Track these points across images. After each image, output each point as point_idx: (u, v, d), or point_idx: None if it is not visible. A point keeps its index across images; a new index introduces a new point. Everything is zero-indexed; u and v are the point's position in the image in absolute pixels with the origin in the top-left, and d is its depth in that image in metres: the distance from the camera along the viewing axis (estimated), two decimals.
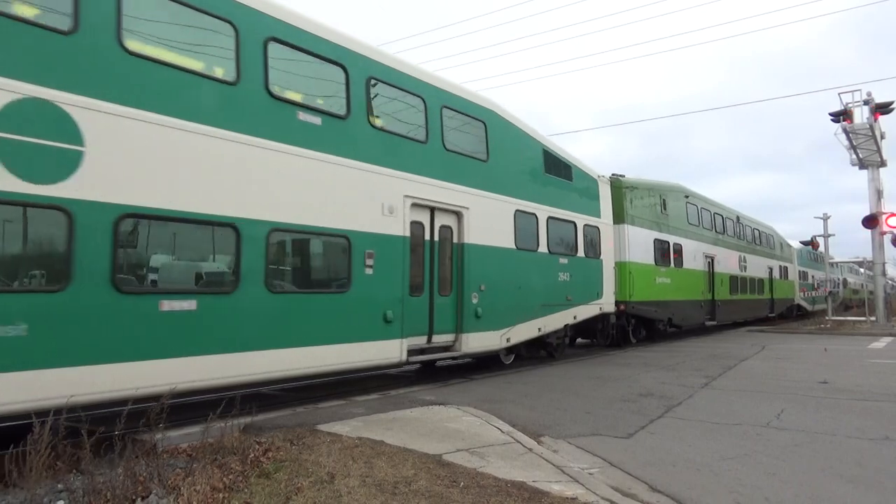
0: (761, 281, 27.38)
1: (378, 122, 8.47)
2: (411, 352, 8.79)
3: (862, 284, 55.50)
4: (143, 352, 5.67)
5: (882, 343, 17.48)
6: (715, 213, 22.56)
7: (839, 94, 23.02)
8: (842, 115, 22.97)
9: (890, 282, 40.48)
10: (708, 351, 15.08)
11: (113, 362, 5.43)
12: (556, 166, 12.60)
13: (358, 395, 8.30)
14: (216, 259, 6.84)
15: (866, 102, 23.13)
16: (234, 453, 4.99)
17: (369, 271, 8.09)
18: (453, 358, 10.27)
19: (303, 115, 7.35)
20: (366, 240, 8.08)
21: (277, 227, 6.94)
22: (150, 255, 6.13)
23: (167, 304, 5.88)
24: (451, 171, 9.70)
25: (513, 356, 11.74)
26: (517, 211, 11.16)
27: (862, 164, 24.60)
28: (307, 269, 7.86)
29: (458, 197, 9.79)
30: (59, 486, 4.26)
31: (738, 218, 25.28)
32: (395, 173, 8.62)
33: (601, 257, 14.01)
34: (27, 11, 5.14)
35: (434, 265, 9.42)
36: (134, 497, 4.01)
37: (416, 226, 9.11)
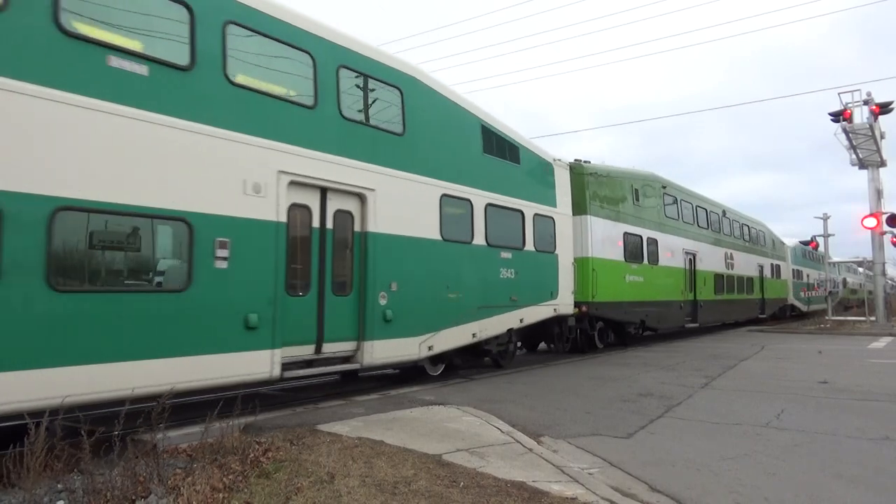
0: (751, 280, 25.77)
1: (240, 79, 6.74)
2: (290, 364, 7.17)
3: (860, 284, 55.48)
4: None
5: (882, 343, 17.48)
6: (697, 207, 20.89)
7: (839, 93, 23.03)
8: (841, 115, 22.97)
9: (890, 282, 40.45)
10: (708, 351, 15.08)
11: None
12: (500, 146, 11.01)
13: (358, 395, 8.31)
14: None
15: (866, 102, 23.11)
16: (234, 453, 4.99)
17: (221, 265, 6.39)
18: (357, 371, 8.42)
19: (117, 62, 5.73)
20: (216, 225, 6.35)
21: (68, 206, 5.25)
22: None
23: None
24: (352, 145, 8.04)
25: (442, 366, 10.15)
26: (445, 196, 9.51)
27: (862, 164, 24.61)
28: (120, 261, 5.90)
29: (360, 176, 8.10)
30: (58, 486, 4.26)
31: (724, 212, 23.64)
32: (264, 143, 6.86)
33: (556, 252, 12.44)
34: None
35: (326, 259, 7.71)
36: (134, 497, 4.01)
37: (299, 210, 7.42)
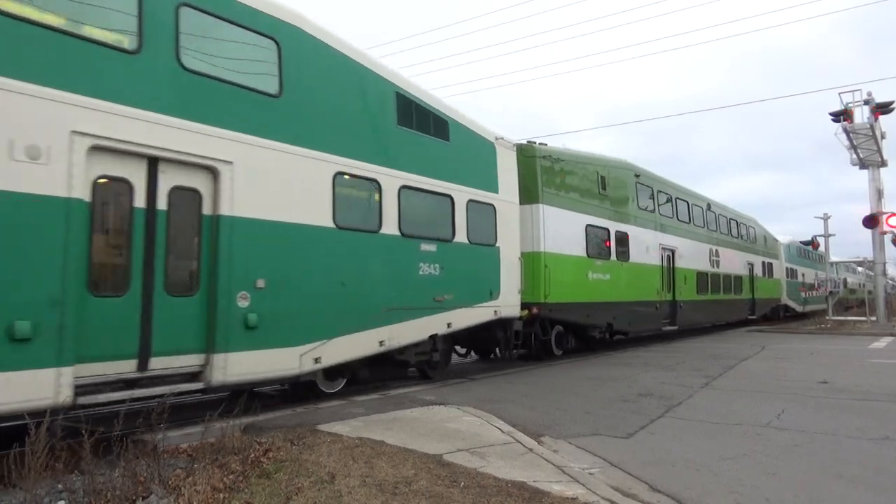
0: (739, 279, 23.99)
1: (12, 8, 5.21)
2: (93, 387, 5.43)
3: (860, 284, 55.35)
4: None
5: (882, 343, 17.48)
6: (677, 199, 19.09)
7: (839, 93, 23.05)
8: (842, 115, 22.98)
9: (890, 282, 40.41)
10: (708, 351, 15.08)
11: None
12: (422, 119, 9.32)
13: (358, 395, 8.31)
14: None
15: (867, 102, 23.14)
16: (235, 453, 5.00)
17: None
18: (202, 392, 6.51)
19: None
20: None
21: None
22: None
23: None
24: (199, 105, 6.34)
25: (342, 382, 8.42)
26: (340, 174, 7.80)
27: (862, 164, 24.62)
28: None
29: (211, 145, 6.38)
30: (59, 486, 4.27)
31: (708, 206, 21.85)
32: (48, 93, 5.21)
33: (498, 244, 10.74)
34: None
35: (156, 249, 5.98)
36: (134, 497, 4.01)
37: (114, 185, 5.76)
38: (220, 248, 6.42)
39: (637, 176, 16.60)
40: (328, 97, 7.84)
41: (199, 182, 6.39)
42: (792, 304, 31.87)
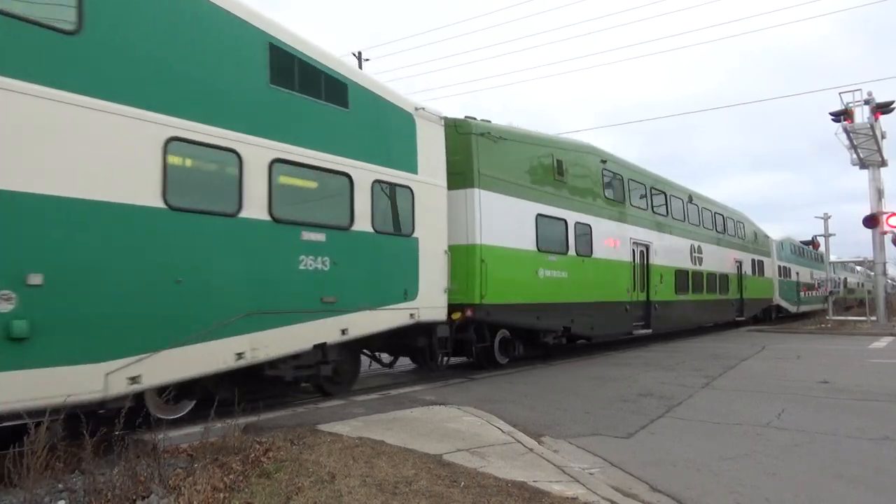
0: (725, 277, 22.23)
1: None
2: None
3: (859, 283, 55.28)
4: None
5: (883, 343, 17.47)
6: (652, 189, 17.28)
7: (840, 93, 23.05)
8: (842, 115, 22.99)
9: (891, 282, 40.41)
10: (708, 351, 15.07)
11: None
12: (308, 79, 7.55)
13: (358, 395, 8.31)
14: None
15: (867, 102, 23.14)
16: (235, 453, 5.00)
17: None
18: None
19: None
20: None
21: None
22: None
23: None
24: None
25: (190, 405, 6.72)
26: (175, 140, 6.09)
27: (862, 164, 24.62)
28: None
29: None
30: (59, 486, 4.27)
31: (690, 198, 19.96)
32: None
33: (416, 235, 9.07)
34: None
35: None
36: (134, 497, 4.02)
37: None
38: None
39: (603, 162, 14.62)
40: (158, 41, 6.08)
41: None
42: (785, 304, 30.43)
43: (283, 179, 7.23)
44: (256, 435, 5.68)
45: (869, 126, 22.96)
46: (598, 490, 4.39)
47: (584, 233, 13.52)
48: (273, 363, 7.08)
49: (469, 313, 10.14)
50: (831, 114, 23.33)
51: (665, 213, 17.98)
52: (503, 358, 11.58)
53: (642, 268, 16.11)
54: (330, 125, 7.94)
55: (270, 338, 6.90)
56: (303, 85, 7.52)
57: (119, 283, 5.59)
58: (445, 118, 10.19)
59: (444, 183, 9.82)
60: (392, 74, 78.65)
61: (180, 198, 6.11)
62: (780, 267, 29.61)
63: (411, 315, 8.96)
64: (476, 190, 10.53)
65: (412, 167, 9.20)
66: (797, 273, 32.63)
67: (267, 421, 6.42)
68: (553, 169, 12.67)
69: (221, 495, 4.09)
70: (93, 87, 5.51)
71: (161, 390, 5.91)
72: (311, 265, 7.46)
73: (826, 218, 30.95)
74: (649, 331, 16.17)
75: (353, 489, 4.29)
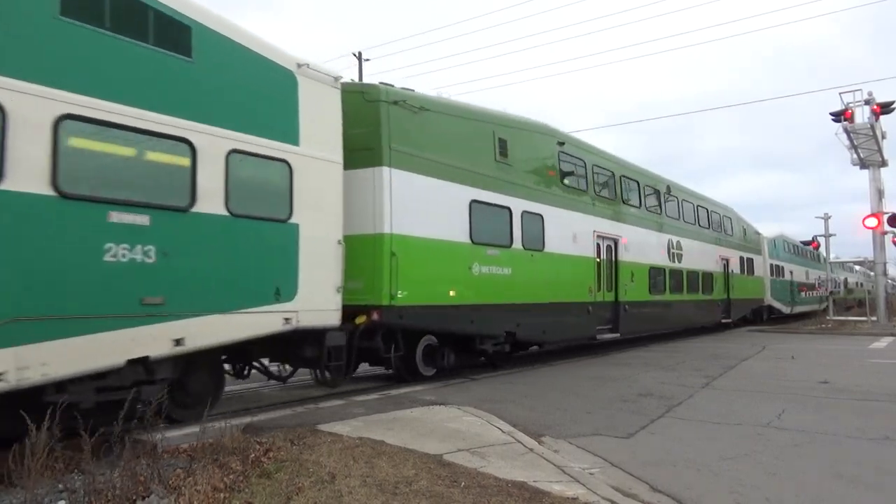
0: (709, 276, 20.58)
1: None
2: None
3: (858, 283, 55.26)
4: None
5: (883, 343, 17.48)
6: (622, 177, 15.55)
7: (840, 93, 23.06)
8: (843, 115, 22.99)
9: (891, 282, 40.41)
10: (708, 351, 15.07)
11: None
12: (122, 13, 5.91)
13: (358, 395, 8.31)
14: None
15: (867, 102, 23.14)
16: (235, 453, 5.00)
17: None
18: None
19: None
20: None
21: None
22: None
23: None
24: None
25: None
26: None
27: (863, 164, 24.66)
28: None
29: None
30: (59, 486, 4.27)
31: (668, 189, 18.32)
32: None
33: (295, 220, 7.29)
34: None
35: None
36: (135, 497, 4.02)
37: None
38: None
39: (561, 144, 12.87)
40: None
41: None
42: (778, 304, 28.75)
43: (78, 142, 5.56)
44: (256, 435, 5.68)
45: (869, 126, 22.98)
46: (598, 490, 4.39)
47: (535, 224, 11.72)
48: (61, 385, 5.33)
49: (375, 317, 8.39)
50: (831, 114, 23.35)
51: (638, 205, 16.27)
52: (428, 369, 9.80)
53: (609, 265, 14.41)
54: (161, 77, 6.24)
55: (52, 352, 5.16)
56: (117, 21, 5.86)
57: None
58: (347, 83, 8.68)
59: (340, 158, 7.94)
60: (392, 75, 78.68)
61: None
62: (772, 265, 28.19)
63: (287, 320, 7.14)
64: (386, 169, 8.67)
65: (291, 137, 7.41)
66: (791, 272, 31.22)
67: (267, 421, 6.42)
68: (494, 149, 10.87)
69: (222, 495, 4.09)
70: None
71: None
72: (124, 256, 5.72)
73: (826, 218, 31.00)
74: (617, 335, 14.41)
75: (353, 489, 4.29)
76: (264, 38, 7.40)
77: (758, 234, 27.47)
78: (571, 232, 12.90)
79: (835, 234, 31.46)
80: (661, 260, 17.23)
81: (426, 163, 9.40)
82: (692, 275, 19.19)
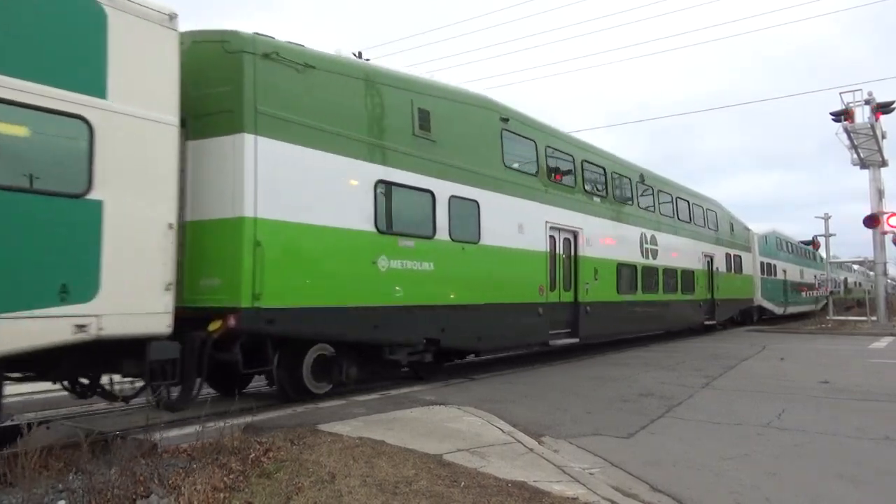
0: (690, 274, 18.93)
1: None
2: None
3: (856, 283, 55.27)
4: None
5: (883, 343, 17.47)
6: (585, 162, 13.82)
7: (840, 93, 23.07)
8: (843, 115, 22.99)
9: (891, 282, 40.45)
10: (708, 351, 15.06)
11: None
12: None
13: (358, 395, 8.31)
14: None
15: (867, 102, 23.14)
16: (235, 453, 5.00)
17: None
18: None
19: None
20: None
21: None
22: None
23: None
24: None
25: None
26: None
27: (863, 164, 24.66)
28: None
29: None
30: (59, 486, 4.27)
31: (642, 177, 16.69)
32: None
33: (95, 195, 5.57)
34: None
35: None
36: (134, 497, 4.01)
37: None
38: None
39: (504, 121, 11.14)
40: None
41: None
42: (769, 305, 27.14)
43: None
44: (256, 435, 5.68)
45: (869, 126, 22.97)
46: (598, 490, 4.39)
47: (467, 212, 9.97)
48: None
49: (232, 322, 6.59)
50: (832, 114, 23.35)
51: (604, 194, 14.57)
52: (321, 385, 7.97)
53: (568, 260, 12.78)
54: None
55: None
56: None
57: None
58: (204, 30, 7.37)
59: (175, 119, 6.32)
60: None
61: None
62: (763, 263, 26.63)
63: (81, 326, 5.38)
64: (249, 137, 6.84)
65: (93, 87, 5.73)
66: (784, 271, 29.64)
67: (267, 421, 6.42)
68: (412, 121, 9.09)
69: (221, 495, 4.09)
70: None
71: None
72: None
73: (826, 218, 31.01)
74: (576, 340, 12.75)
75: (353, 489, 4.28)
76: None
77: (747, 229, 25.81)
78: (516, 222, 11.19)
79: (835, 234, 31.50)
80: (633, 256, 15.60)
81: (311, 132, 7.58)
82: (670, 273, 17.58)
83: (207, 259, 6.83)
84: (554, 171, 12.71)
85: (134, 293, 5.89)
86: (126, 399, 6.57)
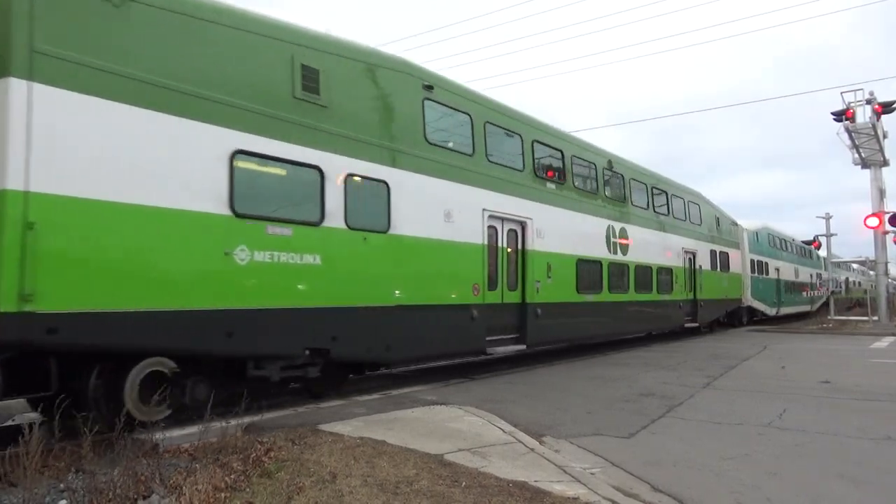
0: (668, 272, 17.28)
1: None
2: None
3: (855, 282, 55.28)
4: None
5: (884, 343, 17.45)
6: (536, 143, 12.08)
7: (841, 93, 23.04)
8: (844, 115, 22.97)
9: (892, 281, 40.45)
10: (708, 351, 15.05)
11: None
12: None
13: (359, 395, 8.31)
14: None
15: (868, 102, 23.11)
16: (236, 453, 5.01)
17: None
18: None
19: None
20: None
21: None
22: None
23: None
24: None
25: None
26: None
27: (864, 164, 24.63)
28: None
29: None
30: (60, 485, 4.28)
31: (610, 164, 14.96)
32: None
33: None
34: None
35: None
36: (135, 496, 4.02)
37: None
38: None
39: (428, 88, 9.44)
40: None
41: None
42: (761, 306, 25.52)
43: None
44: (258, 435, 5.68)
45: (870, 126, 22.94)
46: (599, 490, 4.39)
47: (372, 194, 8.36)
48: None
49: None
50: (833, 113, 23.33)
51: (561, 180, 12.88)
52: (156, 410, 5.99)
53: (514, 255, 11.21)
54: None
55: None
56: None
57: None
58: None
59: None
60: None
61: None
62: (754, 261, 25.01)
63: None
64: (18, 82, 5.21)
65: None
66: (777, 269, 27.94)
67: (268, 421, 6.42)
68: (292, 80, 7.41)
69: (223, 495, 4.09)
70: None
71: None
72: None
73: (827, 217, 30.97)
74: (522, 346, 11.09)
75: (354, 489, 4.29)
76: None
77: (735, 224, 24.05)
78: (442, 209, 9.42)
79: (836, 234, 31.47)
80: (598, 251, 13.86)
81: (129, 84, 5.90)
82: (643, 270, 15.86)
83: None
84: (495, 152, 10.92)
85: None
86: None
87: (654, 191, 17.42)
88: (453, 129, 10.15)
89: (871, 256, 27.02)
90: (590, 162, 14.25)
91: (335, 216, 7.71)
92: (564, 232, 12.58)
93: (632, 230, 15.44)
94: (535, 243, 11.57)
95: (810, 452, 5.52)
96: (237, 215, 6.64)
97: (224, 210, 6.56)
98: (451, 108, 10.05)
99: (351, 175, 7.99)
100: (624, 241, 15.00)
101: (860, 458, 5.33)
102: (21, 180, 5.11)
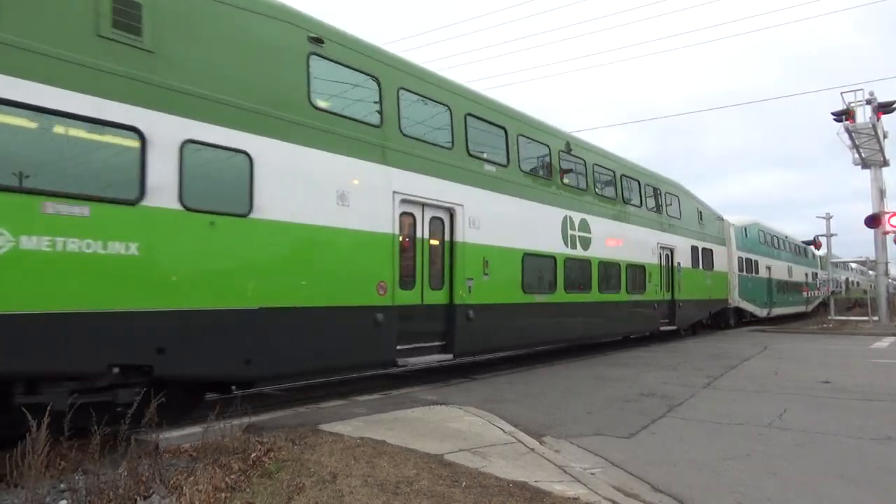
0: (641, 269, 15.58)
1: None
2: None
3: (854, 282, 55.29)
4: None
5: (885, 343, 17.45)
6: (469, 116, 10.29)
7: (841, 93, 23.04)
8: (844, 115, 22.97)
9: (892, 281, 40.47)
10: (709, 351, 15.04)
11: None
12: None
13: (359, 394, 8.31)
14: None
15: (869, 102, 23.11)
16: (236, 453, 5.01)
17: None
18: None
19: None
20: None
21: None
22: None
23: None
24: None
25: None
26: None
27: (864, 164, 24.63)
28: None
29: None
30: (61, 485, 4.28)
31: (568, 146, 13.10)
32: None
33: None
34: None
35: None
36: (136, 496, 4.02)
37: None
38: None
39: (316, 42, 7.74)
40: None
41: None
42: (749, 306, 23.91)
43: None
44: (258, 435, 5.68)
45: (871, 126, 22.94)
46: (599, 490, 4.39)
47: (225, 167, 6.65)
48: None
49: None
50: (833, 113, 23.32)
51: (503, 162, 11.07)
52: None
53: (439, 248, 9.58)
54: None
55: None
56: None
57: None
58: None
59: None
60: None
61: None
62: (742, 259, 23.35)
63: None
64: None
65: None
66: (769, 268, 26.23)
67: (269, 421, 6.43)
68: (96, 13, 5.63)
69: (223, 495, 4.10)
70: None
71: None
72: None
73: (828, 217, 31.00)
74: (449, 356, 9.52)
75: (354, 489, 4.29)
76: None
77: (720, 219, 22.17)
78: (334, 189, 7.76)
79: (836, 234, 31.50)
80: (550, 244, 12.06)
81: None
82: (609, 267, 14.06)
83: None
84: (413, 125, 9.23)
85: None
86: None
87: (625, 179, 15.50)
88: (353, 93, 8.37)
89: (871, 256, 27.01)
90: (542, 143, 12.40)
91: (163, 193, 5.93)
92: (507, 222, 10.83)
93: (595, 222, 13.60)
94: (467, 234, 9.85)
95: (811, 452, 5.52)
96: None
97: None
98: (350, 67, 8.23)
99: (190, 141, 6.22)
100: (585, 235, 13.20)
101: (861, 458, 5.33)
102: None
